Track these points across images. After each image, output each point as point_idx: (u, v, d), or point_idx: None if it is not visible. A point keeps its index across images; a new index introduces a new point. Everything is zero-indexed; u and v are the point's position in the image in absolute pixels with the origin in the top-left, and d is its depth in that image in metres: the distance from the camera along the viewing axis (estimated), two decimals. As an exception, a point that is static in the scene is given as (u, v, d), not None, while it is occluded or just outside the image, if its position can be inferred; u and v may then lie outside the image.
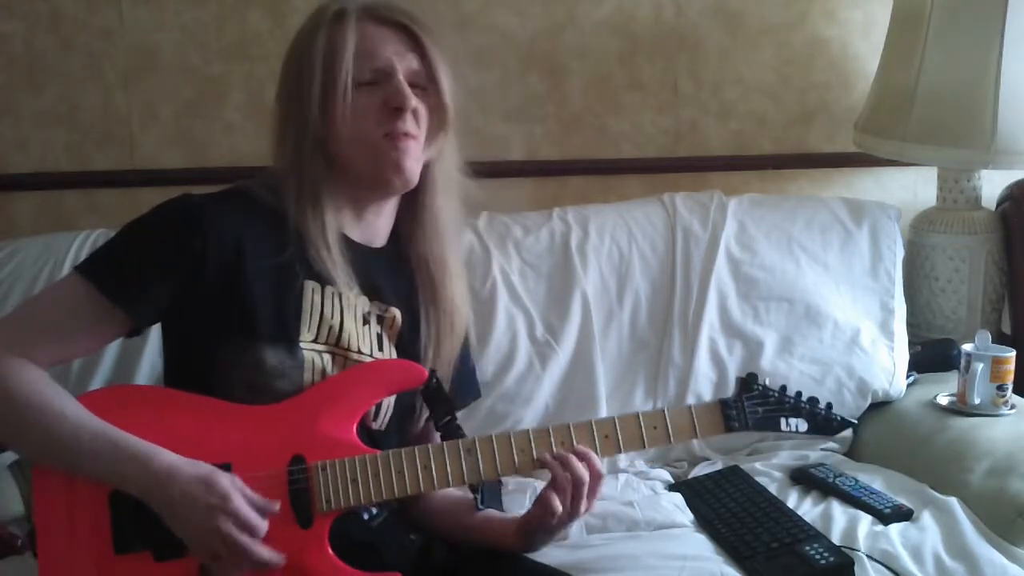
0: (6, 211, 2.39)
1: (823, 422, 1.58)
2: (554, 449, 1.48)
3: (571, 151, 2.53)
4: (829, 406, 1.59)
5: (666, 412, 1.53)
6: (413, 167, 1.54)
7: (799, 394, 1.58)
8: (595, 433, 1.50)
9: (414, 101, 1.52)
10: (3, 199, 2.39)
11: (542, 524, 1.51)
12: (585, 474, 1.46)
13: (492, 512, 1.62)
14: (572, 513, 1.49)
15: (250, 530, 1.37)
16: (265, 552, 1.38)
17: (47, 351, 1.46)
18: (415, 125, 1.53)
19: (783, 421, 1.56)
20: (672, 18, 2.52)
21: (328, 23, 1.53)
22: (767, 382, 1.57)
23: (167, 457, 1.40)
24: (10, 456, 1.84)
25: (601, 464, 1.49)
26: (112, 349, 1.99)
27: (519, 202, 2.44)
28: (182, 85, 2.40)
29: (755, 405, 1.55)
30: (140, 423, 1.42)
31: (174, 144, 2.41)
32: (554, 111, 2.52)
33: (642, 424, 1.52)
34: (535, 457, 1.48)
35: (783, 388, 1.58)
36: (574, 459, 1.47)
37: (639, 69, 2.53)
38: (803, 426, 1.57)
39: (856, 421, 1.62)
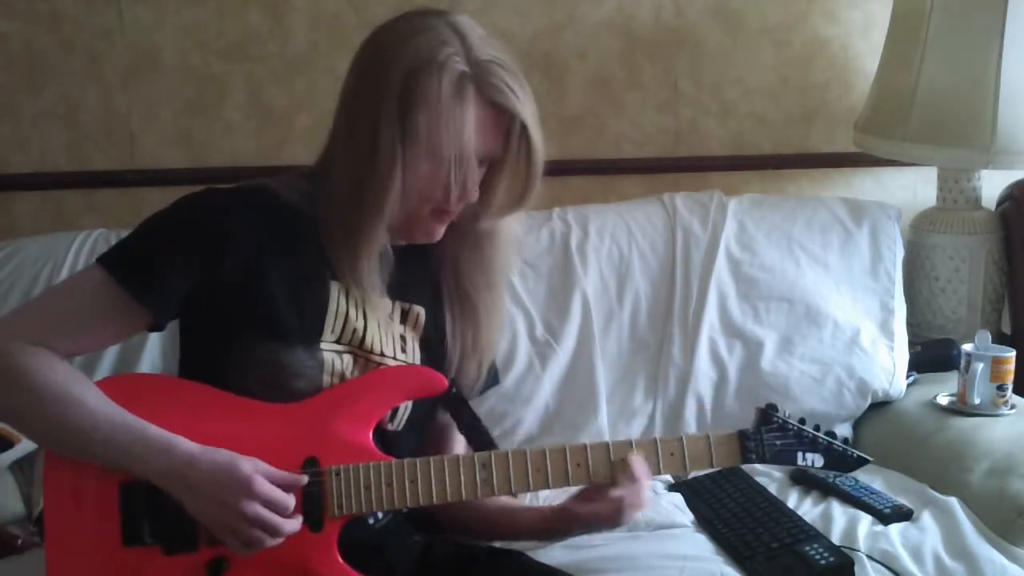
0: (6, 211, 2.39)
1: (839, 458, 1.56)
2: (569, 466, 1.47)
3: (571, 151, 2.53)
4: (846, 441, 1.57)
5: (684, 440, 1.51)
6: (441, 233, 1.53)
7: (817, 428, 1.56)
8: (611, 455, 1.48)
9: (474, 196, 1.48)
10: (3, 199, 2.39)
11: (584, 520, 1.53)
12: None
13: (511, 500, 1.60)
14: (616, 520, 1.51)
15: (277, 508, 1.37)
16: (289, 525, 1.38)
17: (65, 341, 1.45)
18: (460, 204, 1.50)
19: (800, 455, 1.54)
20: (672, 18, 2.52)
21: (449, 83, 1.42)
22: (787, 414, 1.55)
23: (187, 445, 1.39)
24: (10, 456, 1.84)
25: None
26: (114, 346, 1.99)
27: (519, 202, 2.44)
28: (182, 85, 2.40)
29: (773, 438, 1.53)
30: (154, 413, 1.41)
31: (174, 144, 2.41)
32: (554, 111, 2.51)
33: (659, 450, 1.49)
34: (611, 460, 1.48)
35: (802, 420, 1.55)
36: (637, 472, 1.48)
37: (639, 69, 2.53)
38: (819, 461, 1.54)
39: (871, 459, 1.61)
